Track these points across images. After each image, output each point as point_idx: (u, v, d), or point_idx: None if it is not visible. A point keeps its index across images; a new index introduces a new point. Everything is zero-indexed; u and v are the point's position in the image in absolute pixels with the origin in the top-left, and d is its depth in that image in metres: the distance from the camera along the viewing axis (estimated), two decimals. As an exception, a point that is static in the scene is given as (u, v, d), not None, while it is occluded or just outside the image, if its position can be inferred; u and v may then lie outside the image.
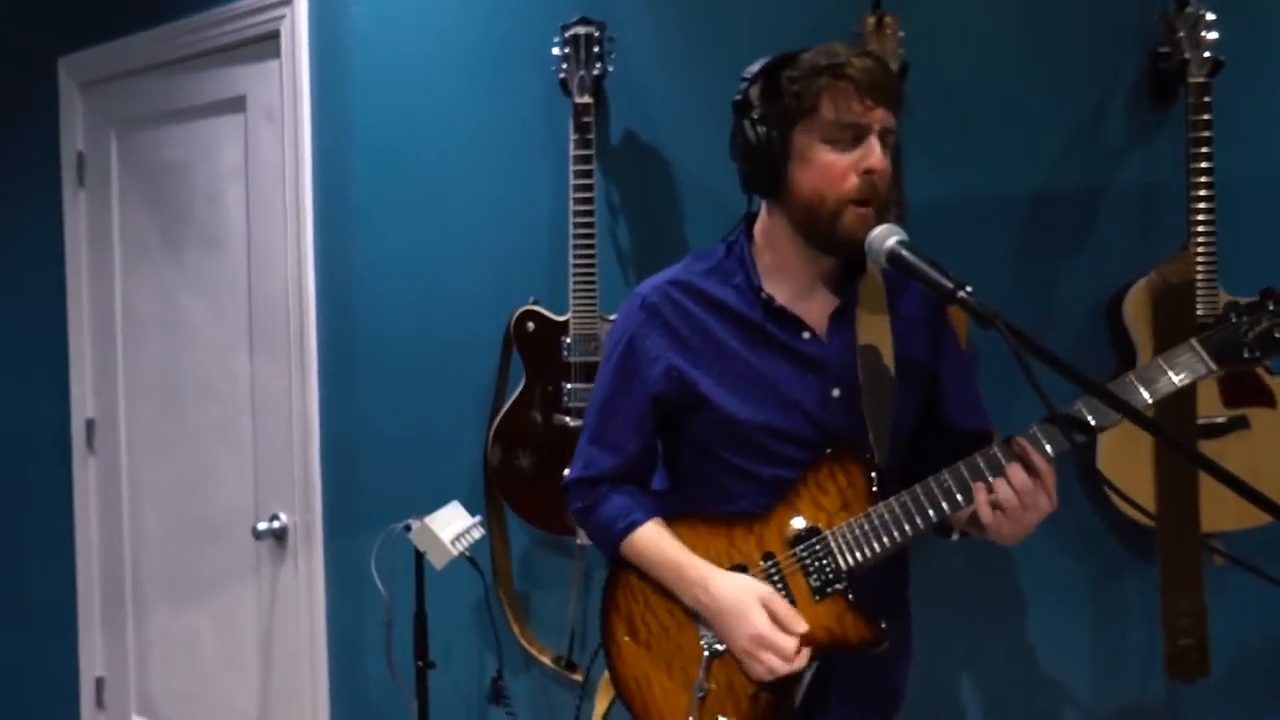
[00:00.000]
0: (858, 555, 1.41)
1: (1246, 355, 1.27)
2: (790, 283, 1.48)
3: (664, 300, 1.49)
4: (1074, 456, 1.44)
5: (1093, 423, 1.31)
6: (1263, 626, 2.06)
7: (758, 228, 1.51)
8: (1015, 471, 1.32)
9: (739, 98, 1.43)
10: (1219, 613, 1.96)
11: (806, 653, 1.39)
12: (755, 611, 1.39)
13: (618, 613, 1.53)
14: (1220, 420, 1.93)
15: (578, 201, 2.07)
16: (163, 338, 2.97)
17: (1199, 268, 1.87)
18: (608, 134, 2.24)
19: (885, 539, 1.40)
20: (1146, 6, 1.97)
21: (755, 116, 1.41)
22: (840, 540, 1.42)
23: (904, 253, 1.33)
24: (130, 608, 3.09)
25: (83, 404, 3.13)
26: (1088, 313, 2.04)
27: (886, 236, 1.35)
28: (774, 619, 1.39)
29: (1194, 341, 1.30)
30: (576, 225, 2.07)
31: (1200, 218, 1.86)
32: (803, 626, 1.39)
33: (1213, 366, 1.28)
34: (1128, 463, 1.93)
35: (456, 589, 2.26)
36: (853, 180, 1.37)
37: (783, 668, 1.37)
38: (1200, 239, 1.87)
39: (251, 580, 2.80)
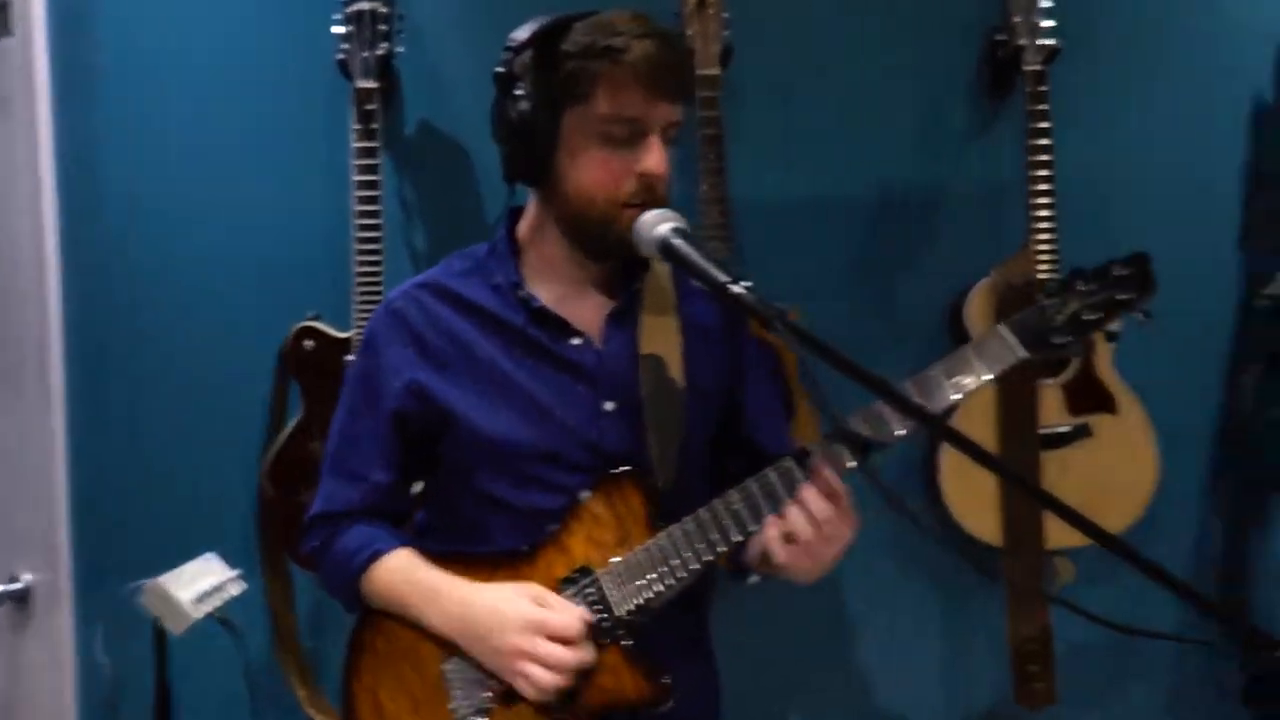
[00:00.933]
0: (637, 600, 1.20)
1: (1057, 340, 1.15)
2: (558, 283, 1.31)
3: (410, 305, 1.32)
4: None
5: (892, 433, 1.14)
6: (1111, 652, 2.00)
7: (523, 221, 1.34)
8: (813, 498, 1.13)
9: (502, 69, 1.26)
10: (1066, 637, 1.90)
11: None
12: (518, 601, 1.19)
13: (360, 684, 1.32)
14: (1064, 429, 1.87)
15: (361, 200, 1.83)
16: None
17: (1040, 266, 1.81)
18: (401, 123, 2.01)
19: (669, 578, 1.19)
20: (986, -11, 1.90)
21: (520, 93, 1.23)
22: (615, 581, 1.21)
23: (676, 241, 1.14)
24: None
25: None
26: (933, 319, 1.95)
27: (658, 223, 1.17)
28: (542, 604, 1.19)
29: (1001, 327, 1.17)
30: (360, 227, 1.83)
31: (1041, 213, 1.82)
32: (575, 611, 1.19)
33: (1022, 354, 1.15)
34: (970, 477, 1.85)
35: (222, 655, 1.97)
36: (629, 184, 1.21)
37: (571, 629, 1.16)
38: (1042, 236, 1.82)
39: (-10, 652, 2.40)
